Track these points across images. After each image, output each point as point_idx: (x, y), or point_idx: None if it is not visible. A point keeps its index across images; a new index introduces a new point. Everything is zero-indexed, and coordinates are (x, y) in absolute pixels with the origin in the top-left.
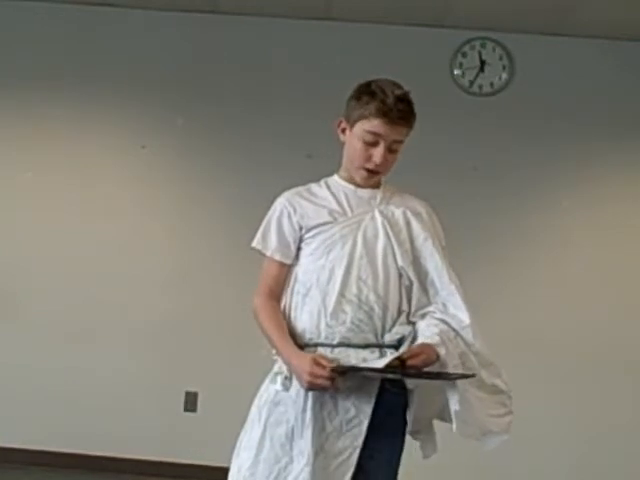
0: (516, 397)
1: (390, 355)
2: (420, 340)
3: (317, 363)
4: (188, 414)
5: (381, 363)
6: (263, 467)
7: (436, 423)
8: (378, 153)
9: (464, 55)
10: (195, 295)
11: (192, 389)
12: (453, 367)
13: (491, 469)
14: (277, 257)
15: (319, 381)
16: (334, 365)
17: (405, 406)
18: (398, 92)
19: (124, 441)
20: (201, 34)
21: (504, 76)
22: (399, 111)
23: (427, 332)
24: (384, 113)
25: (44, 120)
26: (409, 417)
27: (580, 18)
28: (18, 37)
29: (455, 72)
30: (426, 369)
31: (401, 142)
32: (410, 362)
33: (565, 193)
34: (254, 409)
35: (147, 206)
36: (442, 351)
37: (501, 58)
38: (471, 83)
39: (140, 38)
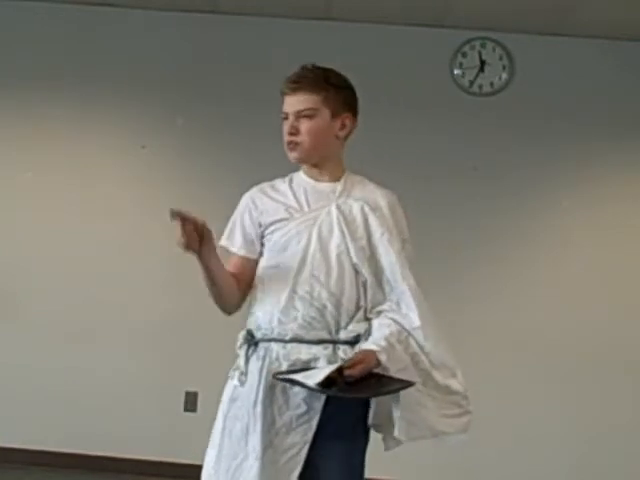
0: (516, 397)
1: (328, 367)
2: (366, 344)
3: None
4: (188, 414)
5: (320, 376)
6: (224, 463)
7: None
8: (287, 124)
9: (464, 55)
10: (195, 295)
11: (192, 389)
12: (396, 372)
13: (491, 469)
14: (242, 253)
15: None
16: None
17: (364, 401)
18: (299, 68)
19: (124, 441)
20: (201, 34)
21: (504, 76)
22: (291, 82)
23: (376, 334)
24: (284, 86)
25: (44, 120)
26: (370, 411)
27: (580, 18)
28: (18, 37)
29: (455, 72)
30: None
31: (311, 109)
32: (347, 372)
33: (565, 193)
34: (220, 406)
35: (147, 206)
36: (383, 357)
37: (501, 58)
38: (471, 83)
39: (140, 38)
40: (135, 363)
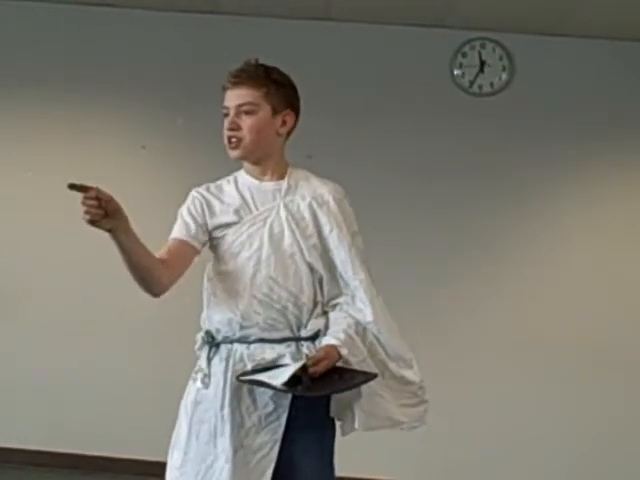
0: (516, 397)
1: (292, 366)
2: (326, 338)
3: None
4: None
5: (285, 376)
6: (191, 466)
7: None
8: (227, 120)
9: (464, 55)
10: (195, 295)
11: None
12: (357, 364)
13: (491, 469)
14: (177, 235)
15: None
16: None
17: (326, 397)
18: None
19: (123, 441)
20: (201, 34)
21: (504, 76)
22: (233, 76)
23: (334, 327)
24: (226, 81)
25: (44, 120)
26: (331, 403)
27: (580, 18)
28: (18, 37)
29: (455, 72)
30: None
31: (251, 104)
32: (312, 369)
33: (565, 193)
34: (181, 408)
35: (147, 206)
36: (344, 351)
37: (501, 58)
38: (471, 83)
39: (140, 38)
40: (135, 363)
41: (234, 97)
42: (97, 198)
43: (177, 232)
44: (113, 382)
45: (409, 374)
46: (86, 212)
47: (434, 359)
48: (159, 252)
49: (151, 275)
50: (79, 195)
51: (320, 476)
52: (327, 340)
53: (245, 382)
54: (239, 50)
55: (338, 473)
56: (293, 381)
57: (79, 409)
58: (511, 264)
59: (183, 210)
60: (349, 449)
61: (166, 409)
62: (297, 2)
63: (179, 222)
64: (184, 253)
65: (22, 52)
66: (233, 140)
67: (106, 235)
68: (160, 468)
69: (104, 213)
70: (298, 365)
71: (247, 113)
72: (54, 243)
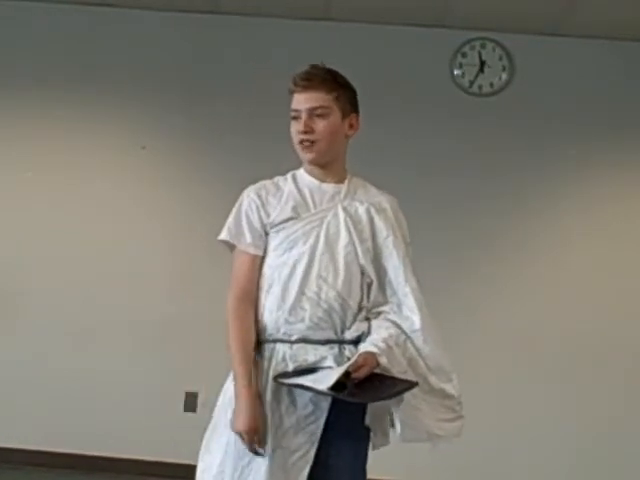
0: (516, 397)
1: (336, 371)
2: (365, 345)
3: (255, 430)
4: (188, 414)
5: (330, 380)
6: (230, 464)
7: None
8: (300, 122)
9: (464, 55)
10: (195, 295)
11: (192, 389)
12: (397, 374)
13: (491, 469)
14: (251, 250)
15: (246, 441)
16: (289, 380)
17: (364, 404)
18: (309, 66)
19: (124, 441)
20: (201, 34)
21: (504, 76)
22: (303, 79)
23: (374, 336)
24: (294, 85)
25: (44, 120)
26: (367, 411)
27: (580, 18)
28: (18, 37)
29: (455, 72)
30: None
31: (324, 107)
32: (354, 375)
33: (565, 193)
34: (219, 406)
35: (147, 206)
36: (383, 360)
37: (501, 58)
38: (471, 83)
39: (140, 38)
40: (135, 363)
41: (306, 100)
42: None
43: (247, 243)
44: (113, 382)
45: (449, 388)
46: (246, 442)
47: None
48: (242, 278)
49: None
50: (81, 196)
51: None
52: (366, 347)
53: (285, 385)
54: (239, 50)
55: None
56: (336, 386)
57: (79, 409)
58: (511, 264)
59: (242, 215)
60: None
61: (166, 409)
62: (297, 2)
63: (246, 230)
64: (258, 266)
65: (22, 52)
66: (307, 143)
67: (106, 235)
68: (160, 468)
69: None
70: (342, 370)
71: (320, 116)
72: (54, 243)
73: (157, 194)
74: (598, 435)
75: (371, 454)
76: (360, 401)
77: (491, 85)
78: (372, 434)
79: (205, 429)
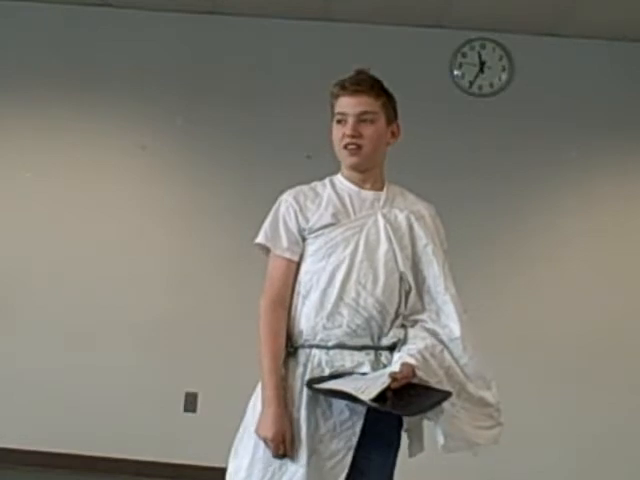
0: (516, 397)
1: (379, 381)
2: (402, 355)
3: (282, 436)
4: (188, 414)
5: (374, 391)
6: (259, 468)
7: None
8: (348, 126)
9: (464, 55)
10: (195, 295)
11: (192, 389)
12: (433, 384)
13: (491, 469)
14: (287, 255)
15: (272, 447)
16: (322, 385)
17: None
18: (355, 71)
19: (124, 441)
20: (201, 34)
21: (504, 76)
22: (353, 83)
23: (411, 346)
24: (342, 88)
25: (44, 120)
26: (404, 419)
27: (580, 19)
28: (18, 38)
29: (455, 72)
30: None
31: (372, 113)
32: (393, 385)
33: (565, 193)
34: (249, 409)
35: (147, 206)
36: (420, 372)
37: (501, 59)
38: (471, 84)
39: (140, 38)
40: (135, 363)
41: (355, 104)
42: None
43: (284, 248)
44: (113, 382)
45: (487, 395)
46: (270, 446)
47: None
48: (277, 282)
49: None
50: (81, 196)
51: None
52: (403, 358)
53: (321, 392)
54: (239, 50)
55: None
56: (378, 397)
57: (79, 409)
58: (511, 264)
59: (280, 219)
60: None
61: (166, 409)
62: (297, 2)
63: (283, 234)
64: (293, 272)
65: (22, 52)
66: (353, 147)
67: (106, 235)
68: (160, 468)
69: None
70: (385, 384)
71: (367, 121)
72: (54, 243)
73: (157, 194)
74: (598, 435)
75: None
76: (402, 413)
77: (491, 85)
78: (409, 441)
79: (205, 429)
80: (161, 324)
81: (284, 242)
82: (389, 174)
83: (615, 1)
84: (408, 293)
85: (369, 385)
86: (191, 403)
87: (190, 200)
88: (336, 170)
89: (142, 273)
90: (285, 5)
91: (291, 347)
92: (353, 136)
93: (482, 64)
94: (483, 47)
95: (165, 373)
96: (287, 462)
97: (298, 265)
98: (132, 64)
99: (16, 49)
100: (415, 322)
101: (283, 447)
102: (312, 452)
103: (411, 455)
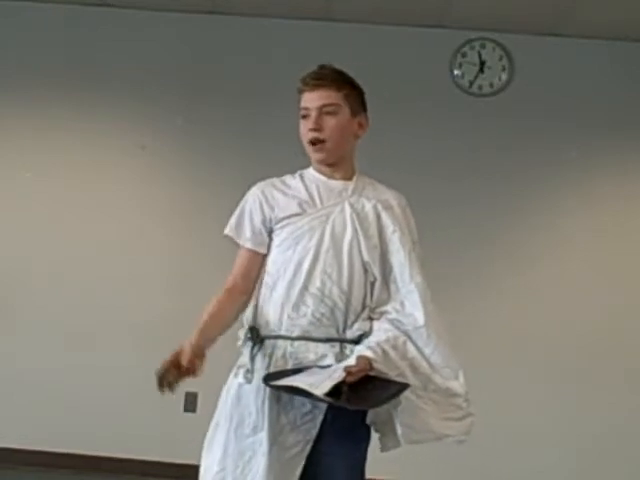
0: (516, 397)
1: (332, 376)
2: (361, 348)
3: (174, 363)
4: (188, 414)
5: (327, 386)
6: (231, 461)
7: None
8: (310, 120)
9: (464, 55)
10: (195, 295)
11: (192, 389)
12: (391, 377)
13: (491, 469)
14: (249, 245)
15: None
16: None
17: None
18: (318, 66)
19: (124, 441)
20: (201, 34)
21: (504, 76)
22: (314, 78)
23: (372, 338)
24: (304, 84)
25: (44, 120)
26: (369, 413)
27: (580, 18)
28: (18, 38)
29: (455, 72)
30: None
31: (334, 105)
32: (348, 379)
33: (565, 193)
34: (221, 404)
35: (147, 206)
36: (378, 365)
37: (501, 58)
38: (471, 83)
39: (140, 38)
40: (135, 363)
41: (316, 98)
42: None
43: (246, 238)
44: (113, 382)
45: (455, 386)
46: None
47: None
48: (237, 270)
49: (236, 314)
50: (81, 196)
51: (348, 479)
52: (361, 351)
53: (277, 389)
54: (239, 50)
55: None
56: (333, 391)
57: (79, 409)
58: (511, 264)
59: (246, 210)
60: None
61: (166, 409)
62: (297, 2)
63: (247, 225)
64: (257, 263)
65: (22, 52)
66: (316, 142)
67: (106, 235)
68: (160, 468)
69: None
70: (339, 377)
71: (329, 114)
72: (54, 243)
73: (157, 194)
74: (598, 435)
75: (370, 454)
76: (356, 408)
77: (491, 85)
78: (380, 435)
79: (205, 429)
80: (161, 324)
81: (247, 233)
82: (389, 174)
83: (615, 1)
84: (373, 284)
85: (324, 380)
86: (191, 403)
87: (190, 200)
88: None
89: (142, 273)
90: (285, 5)
91: (258, 337)
92: (315, 129)
93: (482, 64)
94: (483, 47)
95: None
96: (255, 454)
97: (265, 257)
98: (132, 64)
99: (16, 49)
100: (381, 314)
101: (170, 375)
102: (273, 443)
103: (383, 450)
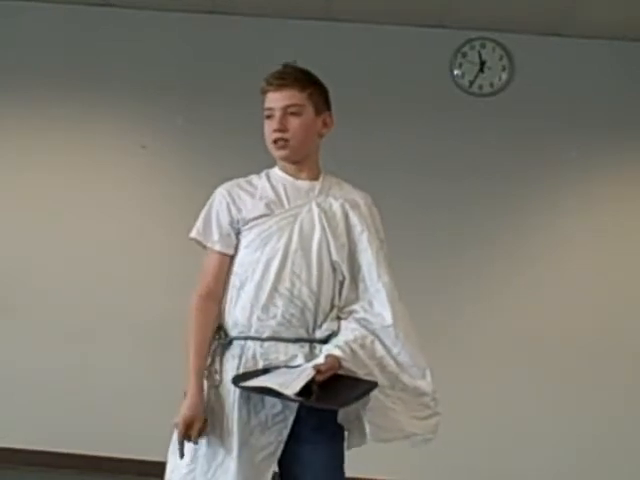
0: (516, 397)
1: (305, 375)
2: (329, 347)
3: (190, 426)
4: None
5: (297, 385)
6: (201, 464)
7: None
8: (274, 120)
9: (464, 55)
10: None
11: None
12: (360, 376)
13: (491, 469)
14: (217, 248)
15: (180, 429)
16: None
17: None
18: (281, 65)
19: (124, 441)
20: (201, 34)
21: (504, 76)
22: (277, 78)
23: (340, 337)
24: (267, 84)
25: (44, 120)
26: (339, 411)
27: (580, 18)
28: (18, 38)
29: (455, 72)
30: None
31: (298, 105)
32: (317, 378)
33: (565, 193)
34: None
35: (147, 206)
36: (346, 364)
37: (501, 58)
38: (471, 83)
39: (140, 38)
40: (135, 363)
41: (280, 98)
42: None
43: (218, 242)
44: (113, 382)
45: (422, 385)
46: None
47: (433, 360)
48: (208, 277)
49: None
50: (81, 196)
51: (329, 476)
52: (330, 350)
53: (247, 390)
54: (239, 50)
55: None
56: (302, 391)
57: (79, 409)
58: (511, 264)
59: (212, 212)
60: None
61: (166, 409)
62: (298, 2)
63: (214, 227)
64: (226, 265)
65: (22, 52)
66: (280, 141)
67: (106, 235)
68: (160, 468)
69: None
70: (308, 376)
71: (293, 114)
72: (54, 243)
73: (157, 194)
74: (598, 435)
75: (367, 453)
76: (326, 407)
77: (491, 85)
78: (347, 433)
79: None
80: (161, 324)
81: (215, 235)
82: (389, 173)
83: (615, 1)
84: (342, 283)
85: (294, 379)
86: None
87: (190, 200)
88: (335, 169)
89: (142, 273)
90: (286, 5)
91: (226, 338)
92: (279, 130)
93: (482, 64)
94: (483, 47)
95: (165, 373)
96: (227, 456)
97: (232, 258)
98: (132, 64)
99: (16, 49)
100: (350, 313)
101: (189, 431)
102: (243, 444)
103: (348, 447)
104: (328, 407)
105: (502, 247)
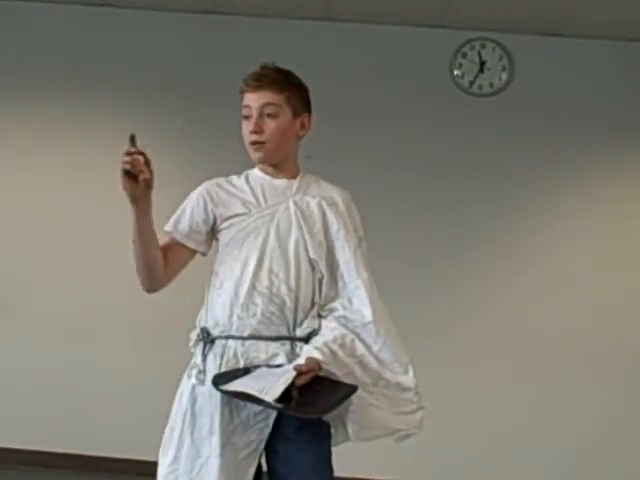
0: (516, 397)
1: (284, 380)
2: (309, 349)
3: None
4: None
5: (276, 391)
6: (184, 462)
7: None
8: (251, 122)
9: (464, 55)
10: (195, 294)
11: None
12: (341, 377)
13: (491, 469)
14: (179, 238)
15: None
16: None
17: None
18: (260, 66)
19: (124, 441)
20: (201, 34)
21: (504, 76)
22: (255, 78)
23: (319, 338)
24: (245, 85)
25: (44, 120)
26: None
27: (580, 19)
28: (18, 38)
29: (455, 72)
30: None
31: (275, 106)
32: (297, 382)
33: (565, 193)
34: (175, 405)
35: None
36: (326, 367)
37: (501, 58)
38: (471, 83)
39: (140, 38)
40: (135, 363)
41: (256, 99)
42: (145, 161)
43: (183, 234)
44: (113, 382)
45: (405, 380)
46: (128, 162)
47: (433, 360)
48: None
49: (155, 269)
50: (81, 196)
51: (317, 473)
52: (310, 352)
53: (227, 394)
54: (239, 50)
55: (337, 473)
56: (282, 396)
57: (79, 409)
58: (511, 264)
59: (187, 207)
60: (347, 449)
61: (166, 409)
62: (297, 2)
63: (186, 221)
64: (182, 256)
65: (22, 52)
66: (257, 143)
67: (106, 235)
68: None
69: (141, 171)
70: (288, 381)
71: (270, 116)
72: (54, 243)
73: (157, 194)
74: (598, 435)
75: (367, 453)
76: (305, 416)
77: (491, 85)
78: (332, 430)
79: None
80: (161, 323)
81: (186, 231)
82: (389, 174)
83: (615, 1)
84: (321, 281)
85: (274, 383)
86: None
87: None
88: (335, 169)
89: None
90: (285, 5)
91: (208, 337)
92: (255, 132)
93: (482, 64)
94: (483, 47)
95: (165, 373)
96: (211, 456)
97: (192, 254)
98: (132, 64)
99: (16, 49)
100: (330, 311)
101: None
102: (226, 443)
103: (335, 444)
104: (307, 417)
105: (502, 247)
